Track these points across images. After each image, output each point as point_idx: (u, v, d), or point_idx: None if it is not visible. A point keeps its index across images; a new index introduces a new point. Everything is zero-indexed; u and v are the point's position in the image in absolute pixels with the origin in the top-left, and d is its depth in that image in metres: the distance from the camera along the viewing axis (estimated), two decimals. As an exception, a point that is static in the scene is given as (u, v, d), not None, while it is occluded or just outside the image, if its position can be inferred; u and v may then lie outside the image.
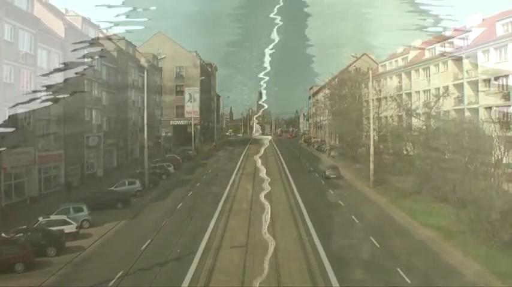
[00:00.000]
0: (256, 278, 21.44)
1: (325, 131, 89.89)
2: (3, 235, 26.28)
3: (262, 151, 56.01)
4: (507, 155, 31.75)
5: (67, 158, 43.73)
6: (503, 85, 40.40)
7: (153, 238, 28.55)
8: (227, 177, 51.76)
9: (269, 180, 38.77)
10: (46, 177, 40.89)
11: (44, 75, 38.48)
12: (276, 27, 40.59)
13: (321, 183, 48.00)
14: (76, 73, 41.94)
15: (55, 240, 26.38)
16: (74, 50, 40.62)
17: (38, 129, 39.55)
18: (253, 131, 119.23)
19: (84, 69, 44.95)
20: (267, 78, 40.79)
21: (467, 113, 44.01)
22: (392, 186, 40.77)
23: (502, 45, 40.34)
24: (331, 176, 49.91)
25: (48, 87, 37.88)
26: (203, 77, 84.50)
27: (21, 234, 26.40)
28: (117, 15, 51.14)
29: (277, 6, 40.65)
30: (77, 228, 29.39)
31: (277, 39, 40.69)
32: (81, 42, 42.44)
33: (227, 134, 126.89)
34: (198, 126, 78.87)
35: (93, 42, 47.93)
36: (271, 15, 41.10)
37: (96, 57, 48.91)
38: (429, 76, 53.14)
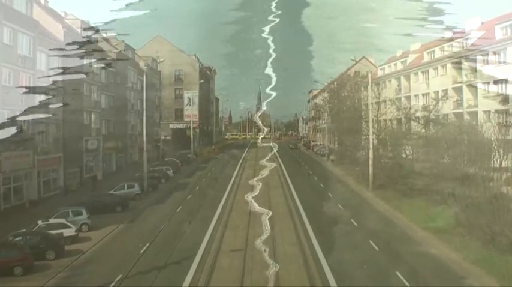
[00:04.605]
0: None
1: (324, 134, 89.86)
2: None
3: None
4: (506, 158, 31.77)
5: (66, 161, 43.69)
6: (502, 89, 40.45)
7: (152, 242, 28.53)
8: (226, 180, 51.77)
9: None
10: (45, 180, 40.85)
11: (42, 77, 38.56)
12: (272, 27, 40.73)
13: (320, 186, 47.98)
14: (75, 76, 41.94)
15: (54, 243, 26.38)
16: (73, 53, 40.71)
17: (37, 133, 39.49)
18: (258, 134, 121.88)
19: (83, 72, 45.04)
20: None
21: (466, 117, 44.03)
22: (392, 189, 40.74)
23: (501, 49, 40.37)
24: (292, 147, 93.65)
25: (47, 90, 37.98)
26: (202, 81, 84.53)
27: (20, 237, 26.38)
28: (117, 18, 51.11)
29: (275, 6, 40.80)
30: (76, 231, 29.37)
31: (277, 42, 40.81)
32: (80, 45, 42.46)
33: (226, 137, 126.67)
34: (197, 130, 78.82)
35: (92, 45, 47.90)
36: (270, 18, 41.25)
37: (95, 60, 48.95)
38: (428, 79, 53.18)
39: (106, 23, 48.34)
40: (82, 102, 47.61)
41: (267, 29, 41.96)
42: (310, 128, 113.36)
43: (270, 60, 41.97)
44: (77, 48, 40.24)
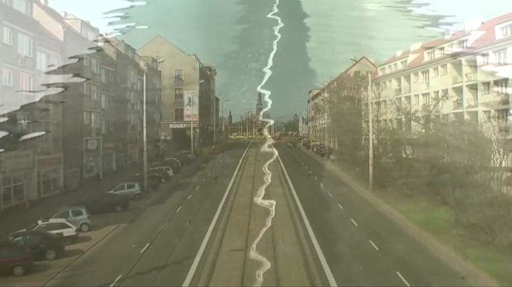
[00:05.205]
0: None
1: (324, 134, 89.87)
2: None
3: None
4: (506, 158, 31.78)
5: (66, 161, 43.68)
6: (502, 89, 40.43)
7: (152, 242, 28.54)
8: (226, 180, 51.75)
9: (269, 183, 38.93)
10: (45, 180, 40.80)
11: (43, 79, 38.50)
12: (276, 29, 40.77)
13: (320, 186, 47.99)
14: (75, 76, 41.93)
15: (54, 243, 26.36)
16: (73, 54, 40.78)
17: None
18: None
19: (83, 72, 45.02)
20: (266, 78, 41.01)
21: (466, 117, 44.01)
22: (392, 189, 40.73)
23: (501, 49, 40.34)
24: (290, 145, 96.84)
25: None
26: (202, 81, 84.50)
27: (20, 237, 26.37)
28: (116, 18, 51.16)
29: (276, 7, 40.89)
30: (76, 231, 29.34)
31: (277, 42, 40.86)
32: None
33: (232, 137, 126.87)
34: (197, 130, 78.79)
35: (92, 45, 47.96)
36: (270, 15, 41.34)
37: (95, 60, 49.00)
38: (428, 79, 53.19)
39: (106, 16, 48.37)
40: (82, 102, 47.62)
41: (267, 30, 42.07)
42: (310, 128, 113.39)
43: (270, 58, 42.05)
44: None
